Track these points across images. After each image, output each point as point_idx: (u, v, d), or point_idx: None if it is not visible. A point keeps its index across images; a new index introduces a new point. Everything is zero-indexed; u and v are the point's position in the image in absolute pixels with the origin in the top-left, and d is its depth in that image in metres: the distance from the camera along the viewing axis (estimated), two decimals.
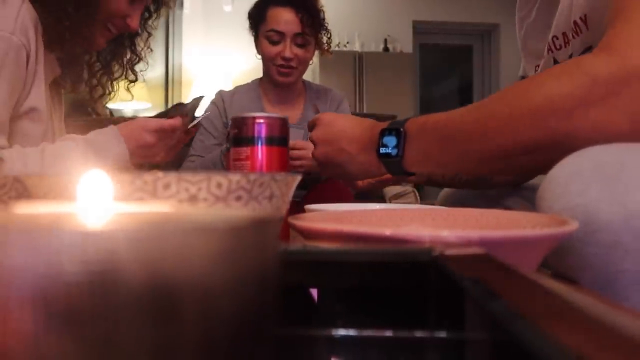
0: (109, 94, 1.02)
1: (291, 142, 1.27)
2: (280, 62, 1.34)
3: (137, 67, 1.05)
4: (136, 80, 1.05)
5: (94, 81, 0.98)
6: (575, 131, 0.48)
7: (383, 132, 0.66)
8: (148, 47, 1.05)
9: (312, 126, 0.79)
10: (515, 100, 0.53)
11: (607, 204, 0.39)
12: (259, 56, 1.41)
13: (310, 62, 1.47)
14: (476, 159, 0.57)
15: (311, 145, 1.28)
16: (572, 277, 0.42)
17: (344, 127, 0.73)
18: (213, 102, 1.45)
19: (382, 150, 0.65)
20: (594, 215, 0.39)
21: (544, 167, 0.46)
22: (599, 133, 0.47)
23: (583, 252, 0.40)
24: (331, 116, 0.77)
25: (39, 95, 0.85)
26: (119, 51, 1.00)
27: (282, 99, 1.43)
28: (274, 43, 1.33)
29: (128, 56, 1.02)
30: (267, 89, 1.44)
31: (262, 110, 1.42)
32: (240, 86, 1.49)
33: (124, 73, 1.02)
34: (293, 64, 1.34)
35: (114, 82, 1.01)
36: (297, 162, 1.26)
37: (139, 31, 1.00)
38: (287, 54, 1.32)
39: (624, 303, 0.39)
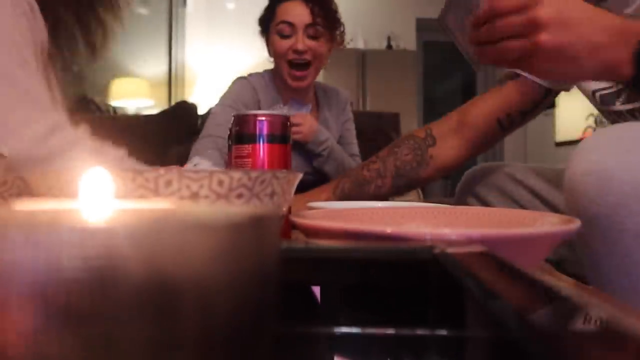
0: (105, 32, 0.93)
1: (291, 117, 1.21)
2: (292, 56, 1.23)
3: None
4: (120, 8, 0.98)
5: (92, 25, 0.92)
6: None
7: None
8: None
9: (528, 4, 0.57)
10: None
11: (620, 171, 0.45)
12: (265, 55, 1.33)
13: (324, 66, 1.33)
14: None
15: (309, 119, 1.25)
16: (582, 239, 0.50)
17: (586, 8, 0.56)
18: (242, 86, 1.31)
19: None
20: (607, 181, 0.46)
21: None
22: None
23: (593, 211, 0.46)
24: None
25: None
26: None
27: (296, 100, 1.33)
28: (285, 37, 1.23)
29: None
30: (281, 88, 1.33)
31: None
32: (257, 79, 1.33)
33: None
34: (307, 57, 1.23)
35: (103, 14, 0.95)
36: (295, 129, 1.19)
37: None
38: (300, 46, 1.21)
39: (626, 259, 0.46)
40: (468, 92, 5.16)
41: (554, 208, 0.84)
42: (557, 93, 0.90)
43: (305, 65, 1.24)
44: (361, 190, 0.90)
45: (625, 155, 0.46)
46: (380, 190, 0.90)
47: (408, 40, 4.58)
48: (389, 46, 4.53)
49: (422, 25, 4.70)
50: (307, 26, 1.23)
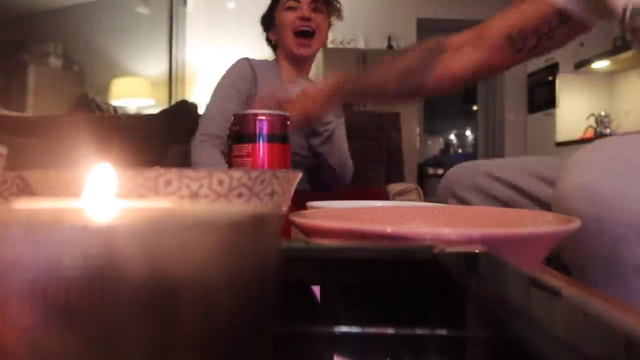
0: None
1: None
2: (298, 23, 1.37)
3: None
4: None
5: None
6: None
7: None
8: None
9: None
10: None
11: (616, 201, 0.44)
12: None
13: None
14: None
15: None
16: (575, 264, 0.49)
17: None
18: (239, 66, 1.43)
19: None
20: (603, 211, 0.44)
21: None
22: None
23: (590, 245, 0.46)
24: None
25: None
26: None
27: (297, 76, 1.44)
28: (292, 9, 1.38)
29: None
30: (284, 67, 1.45)
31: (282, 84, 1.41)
32: (260, 61, 1.47)
33: None
34: (312, 24, 1.37)
35: None
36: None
37: None
38: (306, 13, 1.37)
39: (624, 289, 0.46)
40: (468, 92, 5.16)
41: (534, 199, 0.83)
42: (576, 21, 0.83)
43: (310, 34, 1.38)
44: (364, 92, 0.91)
45: (621, 181, 0.45)
46: (384, 92, 0.90)
47: (409, 40, 4.58)
48: (390, 46, 4.53)
49: (423, 25, 4.70)
50: (311, 2, 1.39)
